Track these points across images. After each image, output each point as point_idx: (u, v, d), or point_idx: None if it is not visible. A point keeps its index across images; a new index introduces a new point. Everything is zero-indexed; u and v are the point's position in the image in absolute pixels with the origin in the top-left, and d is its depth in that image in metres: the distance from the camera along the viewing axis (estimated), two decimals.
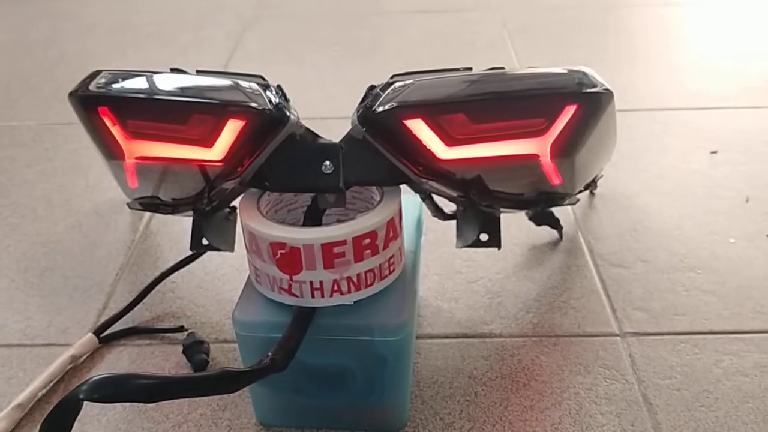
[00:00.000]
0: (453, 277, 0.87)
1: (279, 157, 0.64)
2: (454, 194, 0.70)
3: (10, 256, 0.93)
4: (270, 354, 0.56)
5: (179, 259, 0.87)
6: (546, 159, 0.70)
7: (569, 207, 0.98)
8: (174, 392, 0.49)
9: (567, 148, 0.70)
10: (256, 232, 0.62)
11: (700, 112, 1.23)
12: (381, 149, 0.62)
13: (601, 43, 1.53)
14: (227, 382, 0.53)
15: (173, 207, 0.77)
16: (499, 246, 0.76)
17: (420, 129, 0.62)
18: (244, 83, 0.63)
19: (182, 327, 0.79)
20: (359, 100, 0.63)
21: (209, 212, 0.75)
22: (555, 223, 0.93)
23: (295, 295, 0.62)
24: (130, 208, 0.85)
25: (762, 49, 1.47)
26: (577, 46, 1.52)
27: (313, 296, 0.62)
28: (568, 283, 0.85)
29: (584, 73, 0.70)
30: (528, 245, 0.92)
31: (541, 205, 0.85)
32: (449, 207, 0.76)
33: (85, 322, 0.82)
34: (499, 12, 1.69)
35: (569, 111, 0.67)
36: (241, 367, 0.56)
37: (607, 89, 0.69)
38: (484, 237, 0.75)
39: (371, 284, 0.63)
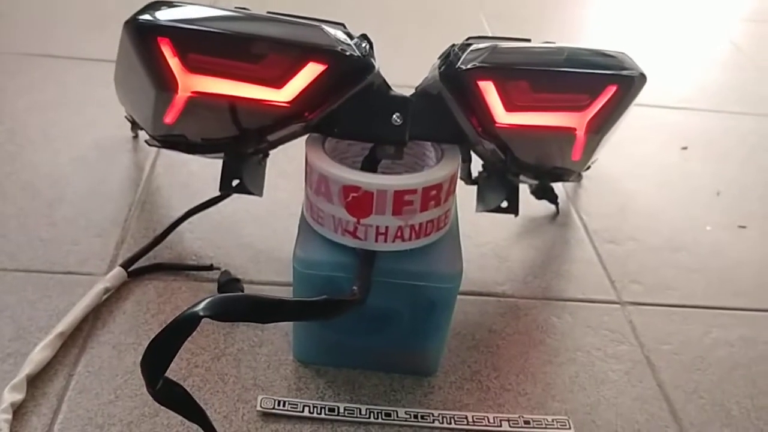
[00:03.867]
0: (463, 241, 0.91)
1: (352, 105, 0.66)
2: (494, 159, 0.75)
3: (13, 184, 0.91)
4: (355, 288, 0.59)
5: (191, 198, 0.88)
6: (581, 133, 0.76)
7: (561, 184, 1.04)
8: (284, 315, 0.52)
9: (600, 126, 0.76)
10: (329, 174, 0.64)
11: (669, 111, 1.32)
12: (454, 106, 0.65)
13: (575, 32, 1.61)
14: (330, 308, 0.55)
15: (203, 147, 0.77)
16: (517, 213, 0.81)
17: (489, 90, 0.66)
18: (327, 28, 0.65)
19: (212, 265, 0.80)
20: (441, 57, 0.65)
21: (244, 155, 0.76)
22: (554, 199, 0.98)
23: (359, 238, 0.65)
24: (149, 144, 0.84)
25: (712, 56, 1.58)
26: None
27: (376, 240, 0.65)
28: (568, 255, 0.91)
29: (624, 56, 0.75)
30: (528, 217, 0.97)
31: (553, 178, 0.91)
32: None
33: (104, 255, 0.81)
34: None
35: (610, 90, 0.73)
36: (339, 296, 0.58)
37: (642, 74, 0.74)
38: (504, 204, 0.80)
39: (429, 233, 0.66)
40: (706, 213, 1.03)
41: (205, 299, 0.49)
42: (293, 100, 0.66)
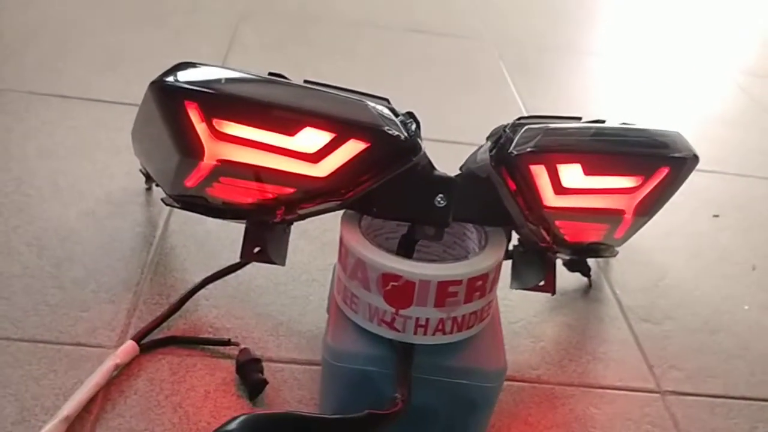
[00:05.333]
0: None
1: (394, 185, 0.61)
2: (536, 239, 0.70)
3: (20, 238, 0.86)
4: (399, 396, 0.54)
5: (207, 260, 0.83)
6: (629, 215, 0.72)
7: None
8: None
9: (649, 208, 0.72)
10: (368, 259, 0.59)
11: (698, 174, 1.27)
12: (503, 190, 0.61)
13: (595, 90, 1.57)
14: (374, 423, 0.50)
15: (224, 212, 0.73)
16: (554, 291, 0.76)
17: (540, 174, 0.62)
18: (371, 103, 0.61)
19: (229, 340, 0.75)
20: (491, 139, 0.61)
21: (269, 224, 0.72)
22: (587, 271, 0.94)
23: (396, 330, 0.60)
24: (165, 203, 0.80)
25: (732, 116, 1.55)
26: (574, 89, 1.55)
27: (415, 333, 0.60)
28: (604, 334, 0.87)
29: (679, 135, 0.71)
30: (560, 290, 0.92)
31: (591, 254, 0.86)
32: None
33: (114, 324, 0.76)
34: (494, 40, 1.71)
35: (662, 173, 0.69)
36: (381, 410, 0.53)
37: (695, 155, 0.71)
38: (541, 282, 0.76)
39: (472, 326, 0.62)
40: (743, 290, 0.98)
41: (236, 419, 0.44)
42: (330, 176, 0.62)
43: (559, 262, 0.92)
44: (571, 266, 0.93)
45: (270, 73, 0.67)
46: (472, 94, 1.43)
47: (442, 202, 0.62)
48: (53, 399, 0.67)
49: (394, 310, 0.59)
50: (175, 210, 0.94)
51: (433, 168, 0.63)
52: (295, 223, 0.71)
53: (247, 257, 0.72)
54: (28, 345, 0.72)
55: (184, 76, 0.65)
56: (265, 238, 0.72)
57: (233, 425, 0.43)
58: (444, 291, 0.58)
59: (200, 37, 1.48)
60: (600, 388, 0.79)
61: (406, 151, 0.59)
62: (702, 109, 1.57)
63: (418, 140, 0.59)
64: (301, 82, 0.65)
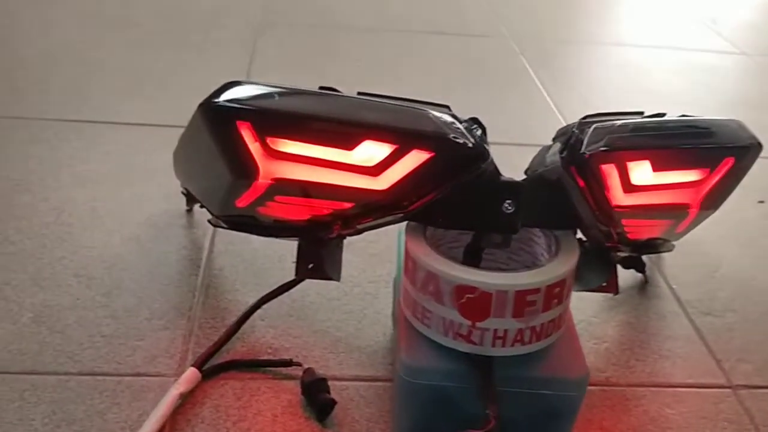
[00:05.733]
0: None
1: (459, 194, 0.60)
2: (602, 238, 0.68)
3: (66, 269, 0.85)
4: (490, 413, 0.52)
5: (258, 278, 0.81)
6: (695, 209, 0.70)
7: None
8: None
9: (714, 200, 0.70)
10: (440, 272, 0.57)
11: None
12: (575, 192, 0.59)
13: (624, 80, 1.55)
14: None
15: (276, 229, 0.71)
16: (617, 291, 0.75)
17: (611, 174, 0.60)
18: (433, 111, 0.59)
19: (291, 360, 0.73)
20: (560, 140, 0.59)
21: (324, 240, 0.70)
22: (642, 267, 0.92)
23: (473, 343, 0.58)
24: (212, 224, 0.79)
25: (760, 100, 1.52)
26: (599, 80, 1.53)
27: (493, 345, 0.58)
28: (666, 331, 0.85)
29: (740, 125, 0.69)
30: None
31: (649, 251, 0.84)
32: None
33: (172, 351, 0.75)
34: (512, 36, 1.69)
35: (728, 163, 0.67)
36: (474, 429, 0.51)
37: (758, 143, 0.69)
38: (605, 282, 0.74)
39: (550, 334, 0.60)
40: None
41: None
42: (391, 188, 0.60)
43: None
44: (625, 263, 0.91)
45: (321, 87, 0.66)
46: (498, 92, 1.41)
47: (510, 208, 0.60)
48: None
49: (470, 323, 0.57)
50: (219, 230, 0.92)
51: (499, 174, 0.61)
52: None
53: (302, 275, 0.71)
54: (88, 379, 0.71)
55: (234, 94, 0.63)
56: (320, 254, 0.71)
57: None
58: (522, 301, 0.57)
59: (220, 54, 1.47)
60: (670, 387, 0.77)
61: (474, 159, 0.57)
62: (728, 94, 1.54)
63: (485, 146, 0.58)
64: (354, 95, 0.64)
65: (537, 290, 0.57)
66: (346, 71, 1.44)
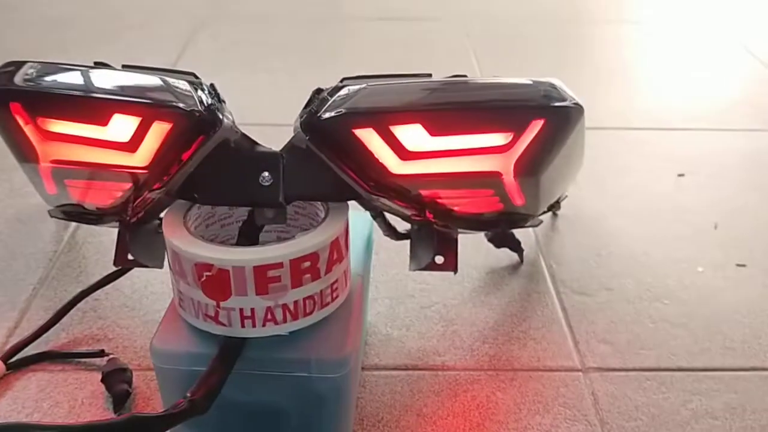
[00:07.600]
0: (405, 302, 0.80)
1: (210, 166, 0.56)
2: (408, 213, 0.64)
3: None
4: (189, 394, 0.48)
5: (104, 274, 0.79)
6: (509, 178, 0.64)
7: (530, 229, 0.92)
8: None
9: (532, 167, 0.64)
10: (179, 250, 0.54)
11: (667, 133, 1.18)
12: (326, 160, 0.55)
13: (562, 58, 1.49)
14: (136, 430, 0.45)
15: (98, 217, 0.69)
16: (455, 270, 0.69)
17: (372, 140, 0.56)
18: (172, 81, 0.56)
19: (102, 351, 0.71)
20: (304, 105, 0.56)
21: (136, 225, 0.67)
22: (516, 246, 0.87)
23: (222, 324, 0.55)
24: (51, 215, 0.76)
25: (724, 71, 1.44)
26: (539, 59, 1.47)
27: (243, 325, 0.54)
28: (527, 312, 0.79)
29: (552, 85, 0.64)
30: (486, 268, 0.86)
31: (501, 227, 0.79)
32: (403, 226, 0.69)
33: None
34: (461, 22, 1.64)
35: (536, 126, 0.62)
36: (152, 412, 0.48)
37: (577, 103, 0.63)
38: (439, 259, 0.69)
39: (310, 313, 0.56)
40: (699, 251, 0.89)
41: None
42: (149, 164, 0.57)
43: (484, 239, 0.85)
44: (495, 241, 0.86)
45: (95, 63, 0.63)
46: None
47: (268, 179, 0.56)
48: None
49: (215, 303, 0.54)
50: (81, 225, 0.90)
51: (255, 144, 0.58)
52: None
53: (119, 263, 0.68)
54: None
55: (9, 76, 0.62)
56: (135, 241, 0.68)
57: None
58: (263, 276, 0.53)
59: (152, 48, 1.46)
60: (511, 370, 0.71)
61: (206, 126, 0.53)
62: (699, 65, 1.47)
63: (218, 113, 0.54)
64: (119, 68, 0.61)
65: (280, 265, 0.53)
66: (275, 61, 1.42)
